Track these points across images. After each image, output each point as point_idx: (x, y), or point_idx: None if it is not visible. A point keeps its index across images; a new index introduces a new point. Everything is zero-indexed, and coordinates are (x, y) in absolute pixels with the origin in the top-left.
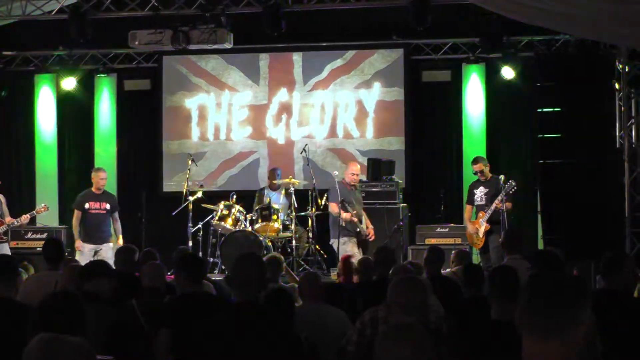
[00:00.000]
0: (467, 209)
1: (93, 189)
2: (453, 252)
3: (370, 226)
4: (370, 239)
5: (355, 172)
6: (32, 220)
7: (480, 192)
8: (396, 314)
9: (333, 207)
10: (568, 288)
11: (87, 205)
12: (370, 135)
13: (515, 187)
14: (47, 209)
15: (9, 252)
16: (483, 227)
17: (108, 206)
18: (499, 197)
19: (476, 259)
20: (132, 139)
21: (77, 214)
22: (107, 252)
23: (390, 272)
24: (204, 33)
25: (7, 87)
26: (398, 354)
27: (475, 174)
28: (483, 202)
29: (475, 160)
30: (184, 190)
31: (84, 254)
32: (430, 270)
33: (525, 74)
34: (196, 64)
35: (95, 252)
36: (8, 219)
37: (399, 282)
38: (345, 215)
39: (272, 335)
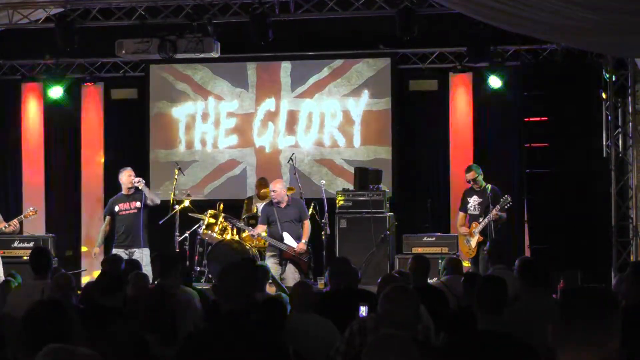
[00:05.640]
0: (460, 216)
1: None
2: (444, 259)
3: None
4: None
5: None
6: (20, 226)
7: (473, 202)
8: (386, 327)
9: None
10: (601, 301)
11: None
12: (357, 144)
13: (510, 203)
14: (35, 212)
15: None
16: (476, 237)
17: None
18: (494, 211)
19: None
20: (119, 148)
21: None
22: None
23: (379, 280)
24: (191, 42)
25: None
26: None
27: (469, 182)
28: (477, 212)
29: (468, 169)
30: (171, 199)
31: None
32: (417, 280)
33: (512, 83)
34: (183, 73)
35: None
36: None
37: (391, 296)
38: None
39: (257, 345)
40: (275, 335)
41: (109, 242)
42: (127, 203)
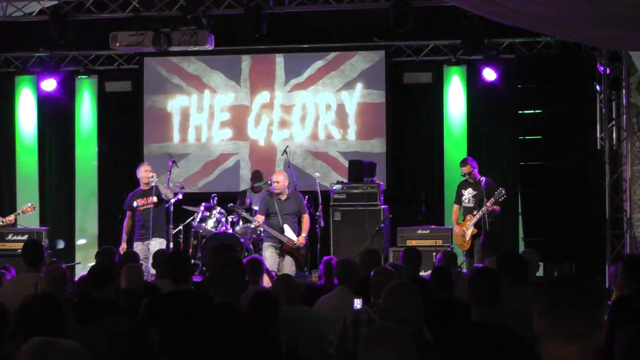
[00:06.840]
0: (455, 209)
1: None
2: (440, 253)
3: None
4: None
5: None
6: (15, 220)
7: (468, 194)
8: (389, 322)
9: None
10: (589, 291)
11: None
12: (352, 137)
13: (505, 195)
14: (33, 208)
15: None
16: (470, 230)
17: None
18: (488, 204)
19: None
20: (113, 141)
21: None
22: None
23: (372, 272)
24: (185, 35)
25: None
26: (381, 357)
27: (464, 175)
28: (471, 205)
29: (463, 162)
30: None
31: None
32: (409, 272)
33: (507, 75)
34: (177, 66)
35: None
36: None
37: (396, 292)
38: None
39: (249, 338)
40: (267, 329)
41: (129, 236)
42: (145, 198)
